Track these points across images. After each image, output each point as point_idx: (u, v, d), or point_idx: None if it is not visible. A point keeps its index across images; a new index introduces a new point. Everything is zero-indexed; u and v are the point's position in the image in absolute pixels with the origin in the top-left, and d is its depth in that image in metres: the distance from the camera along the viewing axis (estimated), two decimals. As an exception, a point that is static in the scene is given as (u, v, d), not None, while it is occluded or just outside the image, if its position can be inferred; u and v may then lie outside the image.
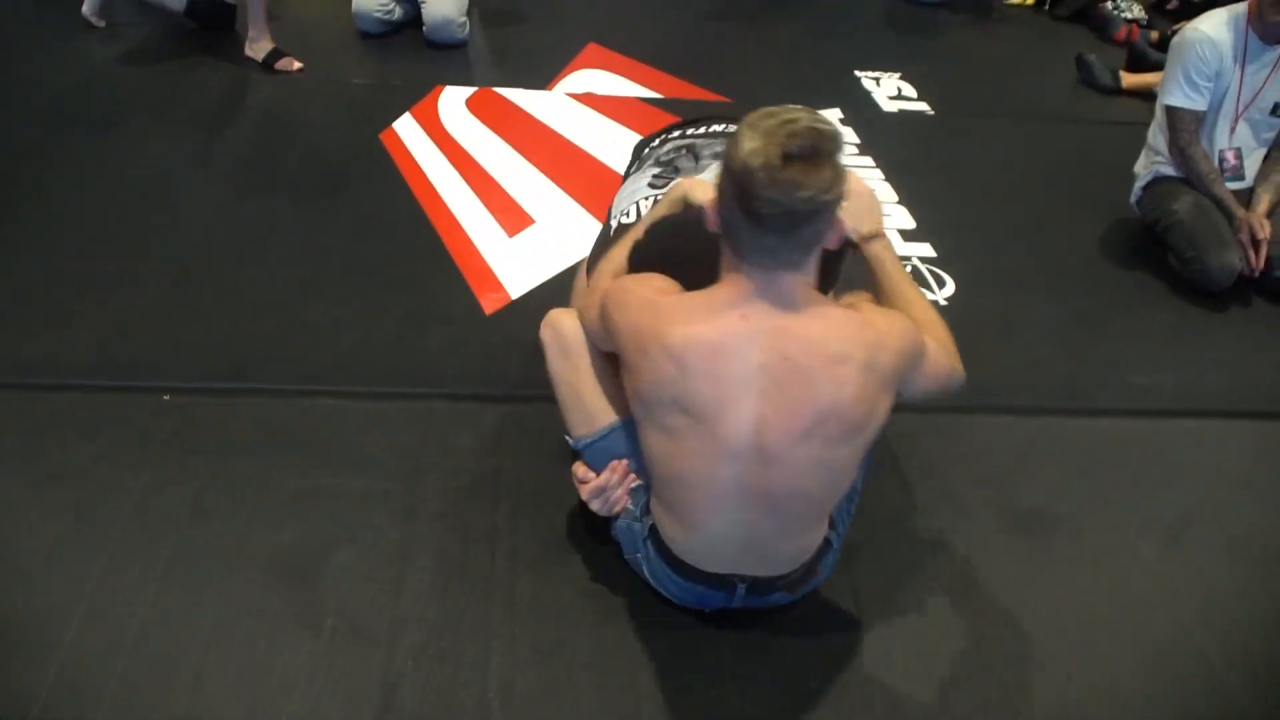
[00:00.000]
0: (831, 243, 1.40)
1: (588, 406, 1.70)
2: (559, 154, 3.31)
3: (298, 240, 2.71)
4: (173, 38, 3.83)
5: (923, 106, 3.96)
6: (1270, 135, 2.88)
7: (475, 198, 3.00)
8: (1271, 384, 2.51)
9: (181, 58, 3.71)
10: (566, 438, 1.78)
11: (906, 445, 2.14)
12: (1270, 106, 2.82)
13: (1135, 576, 1.92)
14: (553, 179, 3.14)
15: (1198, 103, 2.79)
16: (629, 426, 1.64)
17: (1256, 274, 2.75)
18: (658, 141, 2.12)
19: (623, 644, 1.69)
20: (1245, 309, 2.78)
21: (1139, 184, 3.02)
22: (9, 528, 1.82)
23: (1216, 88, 2.78)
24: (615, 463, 1.68)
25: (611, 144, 3.38)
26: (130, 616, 1.66)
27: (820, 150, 1.29)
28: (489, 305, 2.53)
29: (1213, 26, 2.77)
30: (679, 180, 1.74)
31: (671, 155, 1.99)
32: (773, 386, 1.40)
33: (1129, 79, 4.20)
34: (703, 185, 1.60)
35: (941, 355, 1.57)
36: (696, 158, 1.95)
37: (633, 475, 1.68)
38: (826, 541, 1.65)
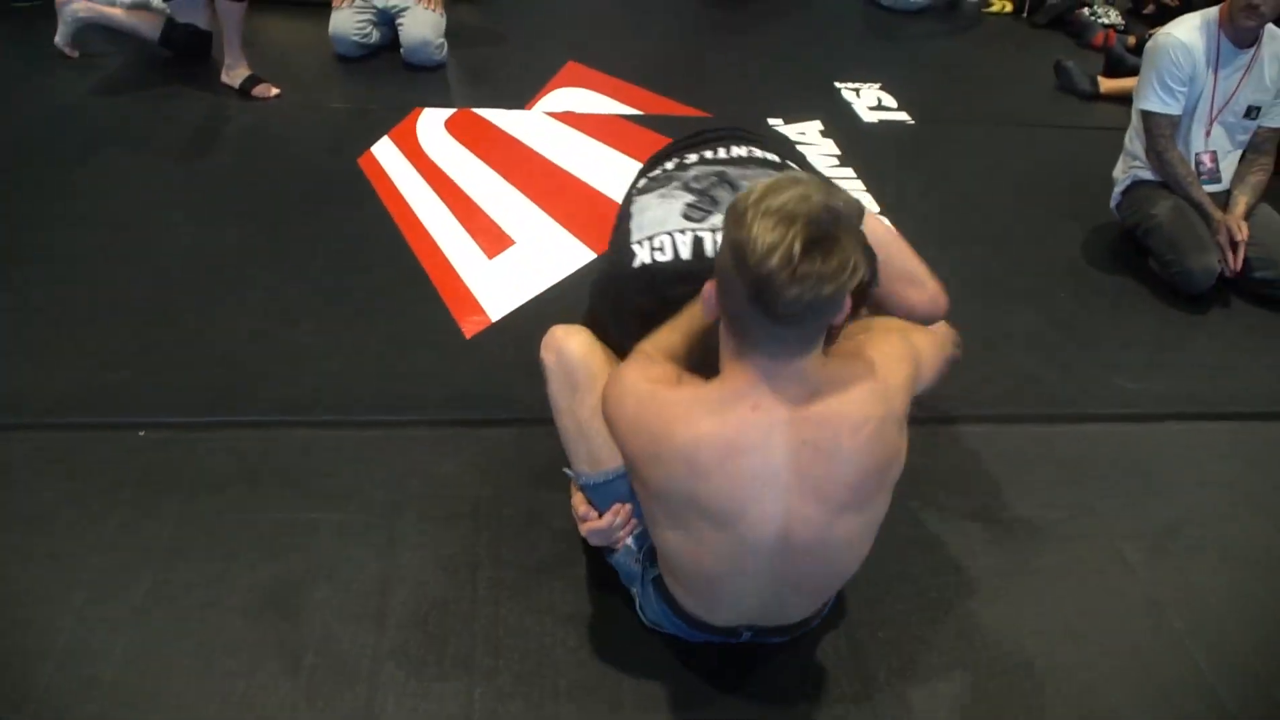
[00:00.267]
0: (841, 318, 1.30)
1: (594, 445, 1.58)
2: (539, 174, 3.30)
3: (275, 268, 2.69)
4: (148, 67, 3.82)
5: (903, 116, 3.96)
6: (1245, 138, 2.89)
7: (454, 220, 2.99)
8: (1255, 385, 2.50)
9: (157, 87, 3.70)
10: (566, 470, 1.71)
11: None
12: (1244, 109, 2.83)
13: (1124, 584, 1.91)
14: (532, 199, 3.13)
15: (1172, 107, 2.79)
16: None
17: (1236, 275, 2.76)
18: (673, 164, 1.88)
19: (606, 674, 1.67)
20: (1226, 310, 2.79)
21: (1118, 189, 3.02)
22: (-17, 570, 1.79)
23: (1191, 92, 2.79)
24: (619, 506, 1.60)
25: (591, 162, 3.38)
26: (106, 658, 1.64)
27: (842, 228, 1.20)
28: (469, 329, 2.51)
29: (1185, 31, 2.77)
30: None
31: (706, 184, 1.75)
32: (796, 478, 1.32)
33: (1107, 84, 4.22)
34: None
35: (931, 348, 1.56)
36: (733, 188, 1.74)
37: (635, 520, 1.61)
38: None
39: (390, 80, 3.95)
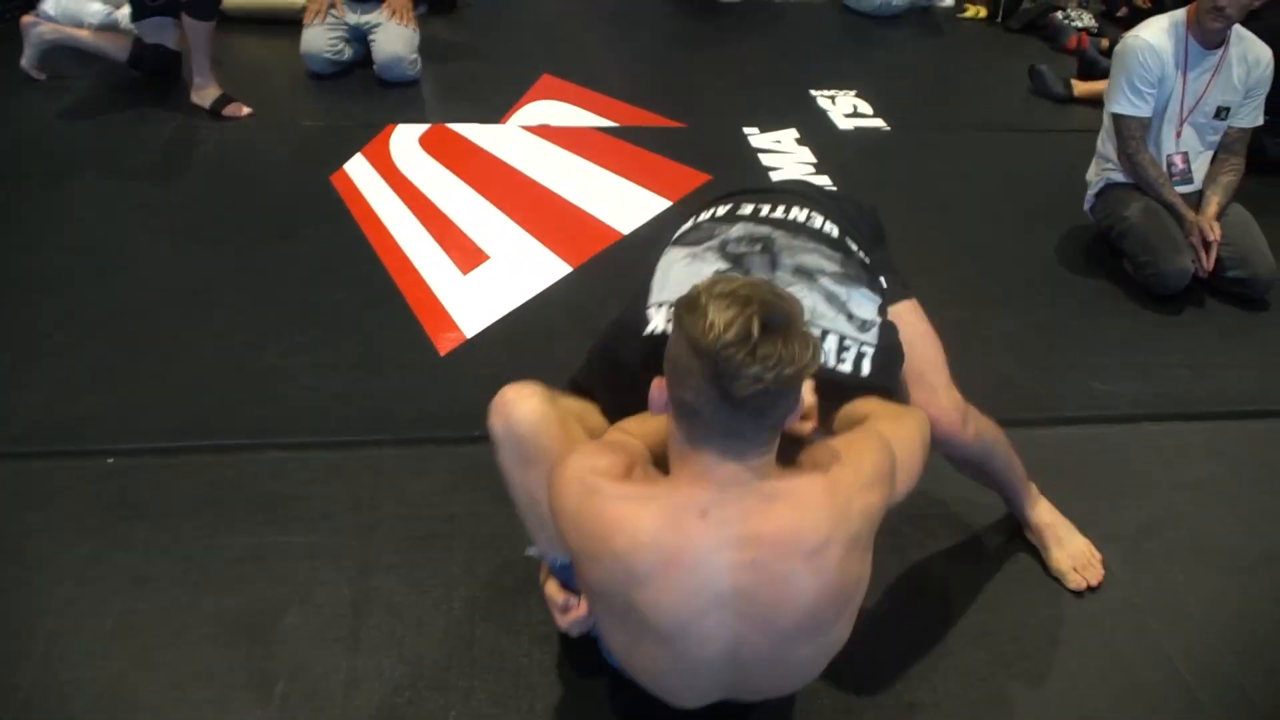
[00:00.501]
0: (793, 420, 1.23)
1: (551, 525, 1.35)
2: (514, 188, 3.29)
3: (246, 290, 2.67)
4: (117, 88, 3.79)
5: (879, 123, 3.97)
6: (1215, 138, 2.90)
7: (428, 236, 2.97)
8: (1229, 384, 2.51)
9: (127, 108, 3.68)
10: (530, 551, 1.58)
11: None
12: (1214, 110, 2.84)
13: (1101, 586, 1.89)
14: (508, 214, 3.12)
15: (1142, 109, 2.80)
16: None
17: (1209, 276, 2.77)
18: (724, 211, 1.69)
19: (584, 694, 1.65)
20: (1200, 310, 2.79)
21: (1091, 191, 3.03)
22: (-52, 604, 1.77)
23: (1160, 94, 2.80)
24: None
25: (567, 176, 3.38)
26: (76, 689, 1.61)
27: (794, 318, 1.16)
28: (443, 346, 2.50)
29: (1153, 34, 2.79)
30: None
31: (743, 248, 1.57)
32: (744, 601, 1.21)
33: (1080, 87, 4.24)
34: None
35: (911, 446, 1.41)
36: (774, 263, 1.55)
37: None
38: None
39: (363, 97, 3.94)
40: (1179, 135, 2.87)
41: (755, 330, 1.11)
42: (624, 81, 4.15)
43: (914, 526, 2.00)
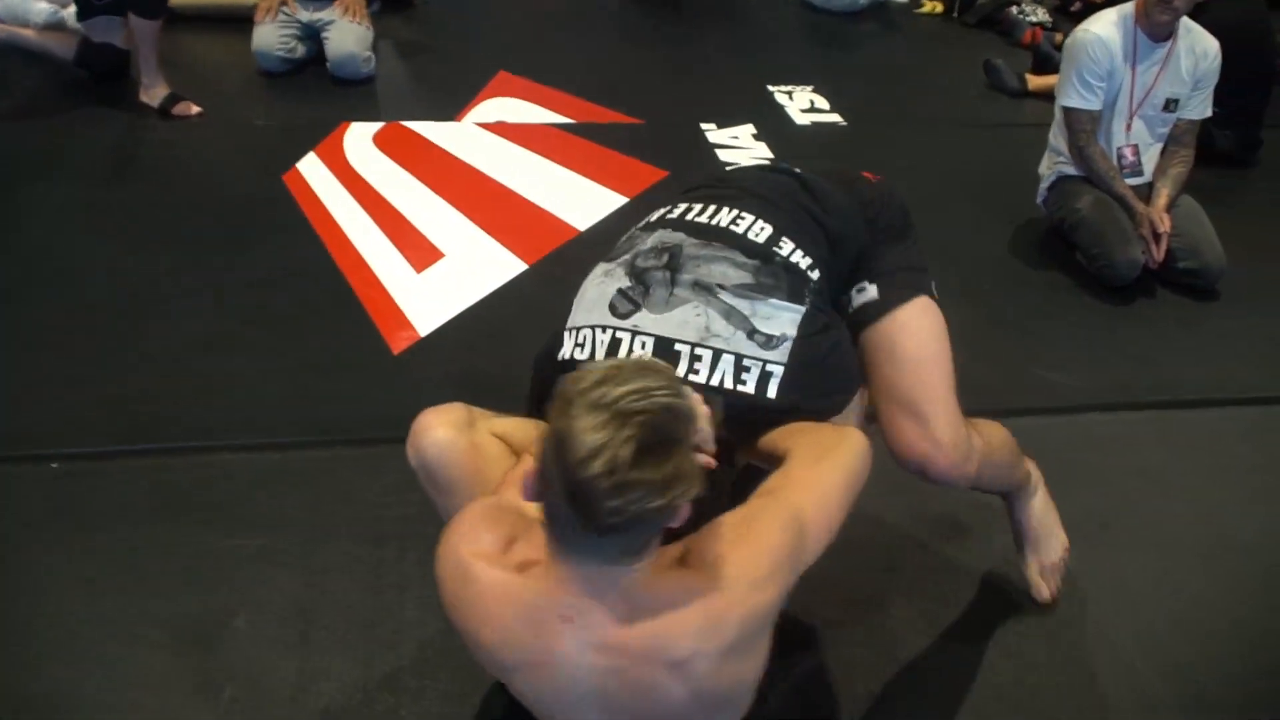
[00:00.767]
0: (679, 524, 1.09)
1: None
2: (469, 186, 3.27)
3: (196, 292, 2.63)
4: (65, 88, 3.72)
5: (835, 118, 3.99)
6: (1165, 130, 2.94)
7: (382, 235, 2.94)
8: (1180, 374, 2.54)
9: (74, 109, 3.60)
10: None
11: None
12: (1163, 102, 2.87)
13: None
14: (462, 211, 3.09)
15: (1092, 102, 2.83)
16: None
17: (1159, 267, 2.80)
18: (655, 217, 1.58)
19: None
20: (1151, 300, 2.83)
21: (1044, 184, 3.06)
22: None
23: (1110, 87, 2.83)
24: None
25: (522, 173, 3.36)
26: (22, 699, 1.58)
27: (678, 432, 1.03)
28: (397, 345, 2.47)
29: (1102, 27, 2.82)
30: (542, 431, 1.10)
31: (649, 263, 1.45)
32: (611, 702, 1.14)
33: (1035, 81, 4.29)
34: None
35: (825, 502, 1.26)
36: (673, 279, 1.42)
37: None
38: None
39: (316, 95, 3.89)
40: (1129, 128, 2.91)
41: (627, 458, 0.98)
42: (581, 78, 4.13)
43: (859, 517, 2.00)
